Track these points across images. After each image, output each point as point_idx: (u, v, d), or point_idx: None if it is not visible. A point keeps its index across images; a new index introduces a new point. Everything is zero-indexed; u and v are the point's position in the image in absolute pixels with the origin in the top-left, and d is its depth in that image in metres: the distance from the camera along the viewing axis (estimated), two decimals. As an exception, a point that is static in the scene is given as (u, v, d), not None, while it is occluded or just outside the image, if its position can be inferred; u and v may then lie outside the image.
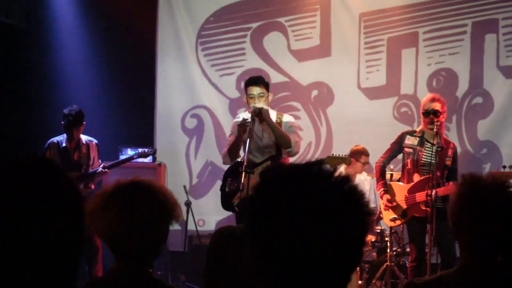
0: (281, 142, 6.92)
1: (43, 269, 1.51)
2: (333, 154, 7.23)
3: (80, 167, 8.09)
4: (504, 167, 7.11)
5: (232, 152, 6.97)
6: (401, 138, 7.37)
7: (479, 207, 2.63)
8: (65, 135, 8.15)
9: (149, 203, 2.73)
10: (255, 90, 6.99)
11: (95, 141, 8.30)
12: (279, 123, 7.08)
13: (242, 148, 6.94)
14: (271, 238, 1.51)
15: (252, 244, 1.56)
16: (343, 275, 1.55)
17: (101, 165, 8.14)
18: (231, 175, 7.10)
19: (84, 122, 8.12)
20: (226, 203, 7.12)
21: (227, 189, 7.10)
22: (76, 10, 10.17)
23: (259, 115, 6.84)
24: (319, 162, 1.57)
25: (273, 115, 7.12)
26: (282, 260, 1.50)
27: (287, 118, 7.20)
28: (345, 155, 7.23)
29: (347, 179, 1.57)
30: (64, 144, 8.14)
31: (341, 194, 1.53)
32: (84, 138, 8.21)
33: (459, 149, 8.79)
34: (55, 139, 8.22)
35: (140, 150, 8.72)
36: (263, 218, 1.53)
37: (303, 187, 1.52)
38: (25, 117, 9.73)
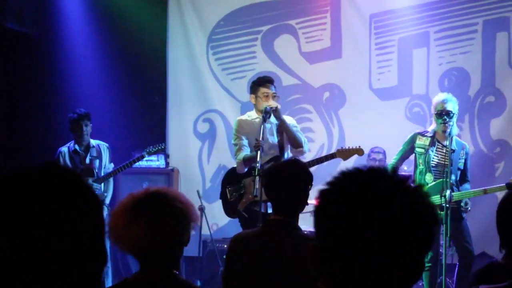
0: (295, 141, 6.99)
1: (67, 281, 1.49)
2: (342, 147, 7.27)
3: (93, 171, 8.12)
4: None
5: (248, 165, 6.98)
6: (413, 138, 7.41)
7: None
8: (72, 142, 8.19)
9: (172, 214, 2.81)
10: (271, 89, 7.02)
11: (106, 144, 8.33)
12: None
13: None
14: (343, 242, 1.55)
15: (323, 244, 1.59)
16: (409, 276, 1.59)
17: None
18: (230, 182, 7.13)
19: (91, 124, 8.19)
20: (231, 210, 7.16)
21: (229, 197, 7.13)
22: (87, 18, 10.19)
23: (276, 112, 6.88)
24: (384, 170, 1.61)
25: (272, 117, 7.15)
26: (351, 262, 1.54)
27: (289, 119, 7.21)
28: (358, 147, 7.25)
29: (420, 187, 1.61)
30: (73, 148, 8.17)
31: (410, 200, 1.57)
32: (94, 142, 8.26)
33: (472, 149, 8.80)
34: (64, 147, 8.27)
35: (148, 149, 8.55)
36: (337, 221, 1.56)
37: (375, 192, 1.56)
38: (36, 124, 9.76)
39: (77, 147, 8.17)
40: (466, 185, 7.33)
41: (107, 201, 8.26)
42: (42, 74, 9.93)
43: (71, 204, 1.51)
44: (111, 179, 8.34)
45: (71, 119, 8.16)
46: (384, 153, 8.87)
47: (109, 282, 8.01)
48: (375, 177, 1.59)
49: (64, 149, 8.23)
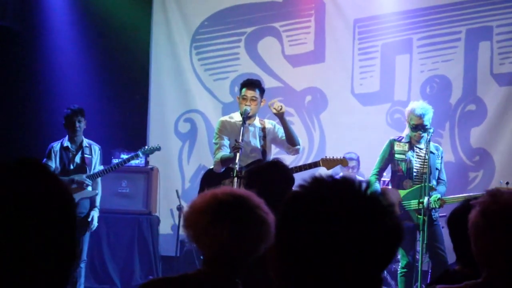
0: (294, 139, 7.12)
1: (34, 276, 1.48)
2: (326, 157, 7.29)
3: (85, 167, 7.97)
4: (508, 183, 7.09)
5: (225, 165, 6.99)
6: (390, 144, 7.37)
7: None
8: (66, 138, 8.06)
9: (257, 222, 2.77)
10: (249, 93, 7.03)
11: (98, 146, 8.20)
12: (263, 128, 7.15)
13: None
14: (303, 246, 1.55)
15: (283, 247, 1.60)
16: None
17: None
18: (210, 183, 7.12)
19: (85, 121, 8.07)
20: None
21: None
22: (70, 14, 10.15)
23: (281, 113, 6.93)
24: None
25: (256, 121, 7.17)
26: (309, 267, 1.54)
27: (273, 123, 7.25)
28: (342, 157, 7.28)
29: (380, 193, 1.60)
30: (65, 145, 8.03)
31: (377, 219, 1.57)
32: (86, 141, 8.12)
33: (452, 157, 8.89)
34: (56, 142, 8.10)
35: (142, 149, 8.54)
36: (299, 228, 1.56)
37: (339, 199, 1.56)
38: (17, 119, 9.71)
39: (69, 144, 8.01)
40: (442, 187, 7.30)
41: (98, 202, 8.06)
42: (24, 68, 9.87)
43: (39, 199, 1.50)
44: (99, 181, 8.17)
45: (65, 115, 8.00)
46: (357, 159, 8.84)
47: (81, 283, 7.88)
48: (344, 189, 1.58)
49: (56, 145, 8.03)
